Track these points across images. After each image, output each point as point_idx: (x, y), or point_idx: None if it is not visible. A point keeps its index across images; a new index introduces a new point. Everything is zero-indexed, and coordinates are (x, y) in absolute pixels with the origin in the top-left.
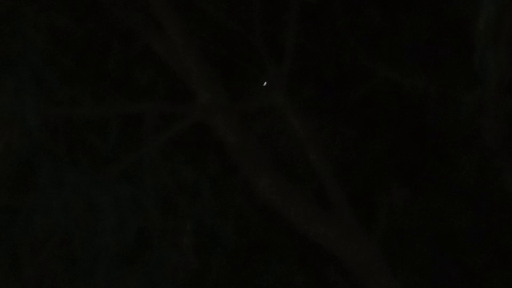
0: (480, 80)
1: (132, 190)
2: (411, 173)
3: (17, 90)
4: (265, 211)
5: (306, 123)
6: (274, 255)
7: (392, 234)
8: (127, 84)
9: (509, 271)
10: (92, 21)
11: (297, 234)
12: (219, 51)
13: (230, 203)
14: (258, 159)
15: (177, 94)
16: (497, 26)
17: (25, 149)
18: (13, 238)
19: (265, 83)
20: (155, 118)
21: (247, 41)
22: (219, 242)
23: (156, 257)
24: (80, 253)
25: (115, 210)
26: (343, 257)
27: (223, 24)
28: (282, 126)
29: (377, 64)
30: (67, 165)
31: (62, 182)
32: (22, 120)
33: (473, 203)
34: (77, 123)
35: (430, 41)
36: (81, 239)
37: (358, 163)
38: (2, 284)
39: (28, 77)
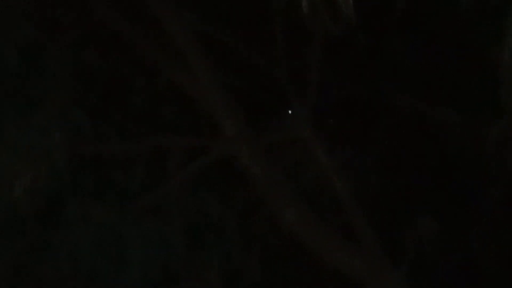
0: (506, 112)
1: (158, 225)
2: (438, 205)
3: (44, 127)
4: (292, 243)
5: (332, 155)
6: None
7: (419, 267)
8: (153, 119)
9: None
10: (117, 56)
11: (324, 267)
12: (244, 85)
13: (256, 237)
14: (284, 191)
15: (203, 128)
16: None
17: (52, 186)
18: (40, 274)
19: (289, 112)
20: (181, 152)
21: (272, 74)
22: (245, 276)
23: None
24: (108, 287)
25: (141, 246)
26: None
27: (247, 58)
28: (308, 158)
29: (402, 96)
30: (93, 201)
31: (89, 218)
32: (48, 156)
33: (501, 235)
34: (104, 159)
35: (455, 73)
36: (108, 275)
37: (384, 195)
38: None
39: (55, 113)
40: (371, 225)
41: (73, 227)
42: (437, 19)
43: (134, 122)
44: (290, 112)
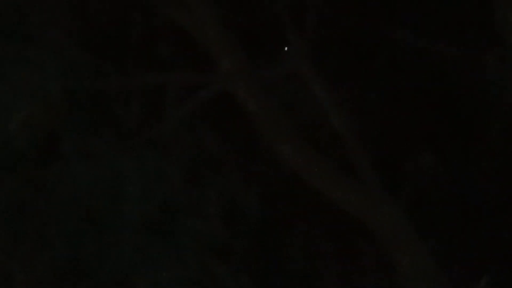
0: (502, 40)
1: (156, 162)
2: (436, 139)
3: (39, 63)
4: (290, 178)
5: (330, 90)
6: (299, 222)
7: (418, 201)
8: (150, 55)
9: None
10: None
11: (323, 201)
12: (241, 20)
13: (254, 171)
14: (282, 126)
15: (200, 63)
16: None
17: (49, 121)
18: (38, 209)
19: (285, 48)
20: (179, 88)
21: (270, 9)
22: (244, 210)
23: (181, 225)
24: (106, 222)
25: (139, 180)
26: (369, 224)
27: None
28: (306, 93)
29: (400, 30)
30: (90, 137)
31: (86, 154)
32: (45, 92)
33: (500, 168)
34: (101, 95)
35: (451, 4)
36: (106, 208)
37: (383, 129)
38: (30, 255)
39: (50, 49)
40: (370, 160)
41: (70, 163)
42: None
43: (131, 58)
44: (286, 48)
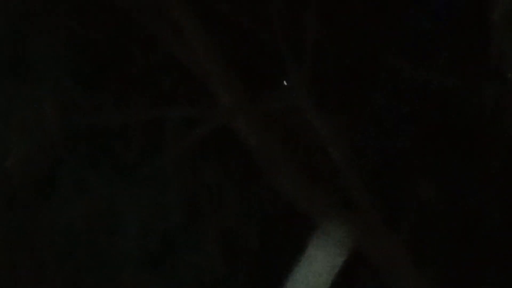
0: (499, 72)
1: (155, 196)
2: (437, 170)
3: (38, 97)
4: (290, 213)
5: (329, 124)
6: (299, 254)
7: (418, 232)
8: (149, 90)
9: None
10: (112, 27)
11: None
12: (240, 54)
13: (255, 206)
14: (281, 161)
15: (199, 98)
16: None
17: (47, 157)
18: (36, 245)
19: (285, 83)
20: (178, 123)
21: (268, 42)
22: (244, 245)
23: (181, 261)
24: (105, 258)
25: (138, 217)
26: (369, 256)
27: (243, 26)
28: (305, 127)
29: (400, 61)
30: (89, 172)
31: (85, 189)
32: (43, 127)
33: (501, 198)
34: (100, 129)
35: (451, 37)
36: (105, 244)
37: (383, 162)
38: None
39: (49, 84)
40: (370, 193)
41: (69, 198)
42: None
43: (130, 93)
44: (285, 83)
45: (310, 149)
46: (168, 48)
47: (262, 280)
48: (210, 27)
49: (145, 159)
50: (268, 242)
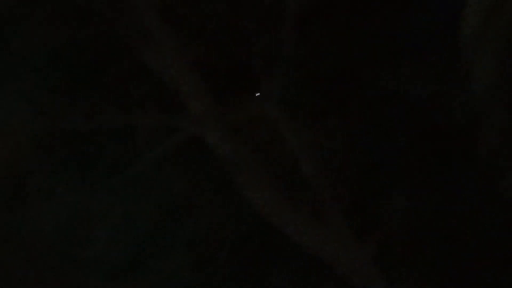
0: (468, 85)
1: (126, 205)
2: (409, 182)
3: (10, 104)
4: (260, 223)
5: (300, 135)
6: (271, 268)
7: (387, 245)
8: (121, 97)
9: (509, 277)
10: (85, 34)
11: (294, 246)
12: (212, 63)
13: (225, 216)
14: (251, 170)
15: (171, 106)
16: (482, 32)
17: (19, 163)
18: (5, 251)
19: (257, 94)
20: (150, 131)
21: (241, 52)
22: (214, 255)
23: (150, 270)
24: (74, 265)
25: (109, 223)
26: (338, 269)
27: (216, 35)
28: (276, 137)
29: (372, 72)
30: (59, 178)
31: (56, 196)
32: (16, 134)
33: (472, 209)
34: (70, 136)
35: (423, 48)
36: (74, 251)
37: (354, 173)
38: None
39: (20, 90)
40: (340, 205)
41: (38, 205)
42: None
43: (102, 99)
44: (258, 94)
45: (280, 160)
46: (140, 56)
47: None
48: (183, 35)
49: (116, 167)
50: (237, 252)
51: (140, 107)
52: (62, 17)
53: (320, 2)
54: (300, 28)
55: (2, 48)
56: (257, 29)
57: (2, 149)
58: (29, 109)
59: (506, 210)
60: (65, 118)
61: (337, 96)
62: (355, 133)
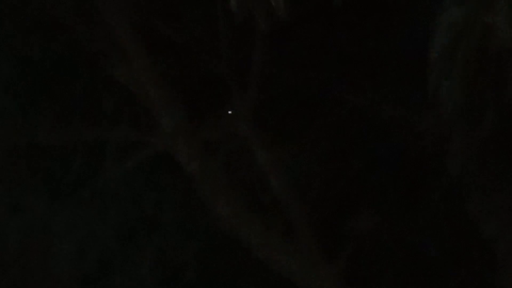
0: (436, 107)
1: (92, 218)
2: (378, 202)
3: None
4: (227, 239)
5: (271, 153)
6: (236, 284)
7: (356, 264)
8: (91, 111)
9: None
10: (55, 48)
11: (260, 263)
12: (185, 79)
13: (193, 233)
14: (220, 187)
15: (141, 121)
16: (450, 55)
17: None
18: None
19: (230, 112)
20: (119, 145)
21: (214, 69)
22: (180, 270)
23: (115, 285)
24: (37, 279)
25: (74, 238)
26: (307, 287)
27: (188, 52)
28: (246, 155)
29: (342, 92)
30: (25, 191)
31: (19, 208)
32: None
33: (439, 227)
34: (38, 149)
35: (392, 69)
36: (38, 265)
37: (324, 192)
38: None
39: None
40: (309, 222)
41: (2, 218)
42: (374, 15)
43: (71, 113)
44: (230, 112)
45: (250, 178)
46: (111, 70)
47: None
48: (155, 51)
49: (84, 181)
50: (204, 270)
51: (111, 121)
52: (32, 30)
53: (291, 22)
54: (271, 47)
55: None
56: (229, 47)
57: None
58: None
59: (472, 228)
60: (33, 131)
61: (307, 114)
62: (325, 151)
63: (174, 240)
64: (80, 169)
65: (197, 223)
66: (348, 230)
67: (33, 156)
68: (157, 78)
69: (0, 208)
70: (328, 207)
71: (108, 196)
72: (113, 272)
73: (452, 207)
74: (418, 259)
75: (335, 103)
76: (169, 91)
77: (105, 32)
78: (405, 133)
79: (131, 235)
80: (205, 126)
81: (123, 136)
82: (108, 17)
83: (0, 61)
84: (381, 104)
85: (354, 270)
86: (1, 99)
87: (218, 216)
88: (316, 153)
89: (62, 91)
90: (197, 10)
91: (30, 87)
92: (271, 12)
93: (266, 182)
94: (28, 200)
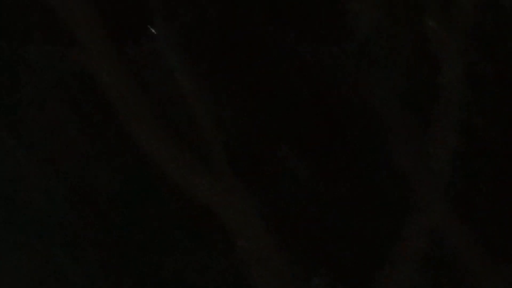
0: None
1: (6, 138)
2: (297, 136)
3: None
4: (145, 161)
5: (193, 76)
6: (148, 207)
7: (273, 194)
8: (7, 26)
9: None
10: None
11: (175, 187)
12: None
13: (108, 151)
14: (139, 108)
15: (58, 37)
16: None
17: None
18: None
19: (153, 31)
20: (34, 61)
21: None
22: (94, 189)
23: (26, 209)
24: None
25: None
26: (220, 214)
27: None
28: (167, 76)
29: (264, 25)
30: None
31: None
32: None
33: (360, 168)
34: None
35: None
36: None
37: (243, 121)
38: None
39: None
40: (225, 148)
41: None
42: None
43: None
44: (154, 31)
45: (169, 99)
46: None
47: (110, 231)
48: None
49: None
50: (118, 188)
51: (25, 36)
52: None
53: None
54: None
55: None
56: None
57: None
58: None
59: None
60: None
61: (234, 43)
62: (249, 79)
63: (88, 160)
64: None
65: (113, 142)
66: (266, 161)
67: None
68: None
69: None
70: (248, 140)
71: (25, 112)
72: (26, 194)
73: (377, 155)
74: (336, 195)
75: (258, 37)
76: (92, 8)
77: None
78: (323, 67)
79: (44, 155)
80: (127, 44)
81: (38, 50)
82: None
83: None
84: (295, 38)
85: (270, 202)
86: None
87: (133, 136)
88: (238, 83)
89: None
90: None
91: None
92: None
93: (185, 105)
94: None
